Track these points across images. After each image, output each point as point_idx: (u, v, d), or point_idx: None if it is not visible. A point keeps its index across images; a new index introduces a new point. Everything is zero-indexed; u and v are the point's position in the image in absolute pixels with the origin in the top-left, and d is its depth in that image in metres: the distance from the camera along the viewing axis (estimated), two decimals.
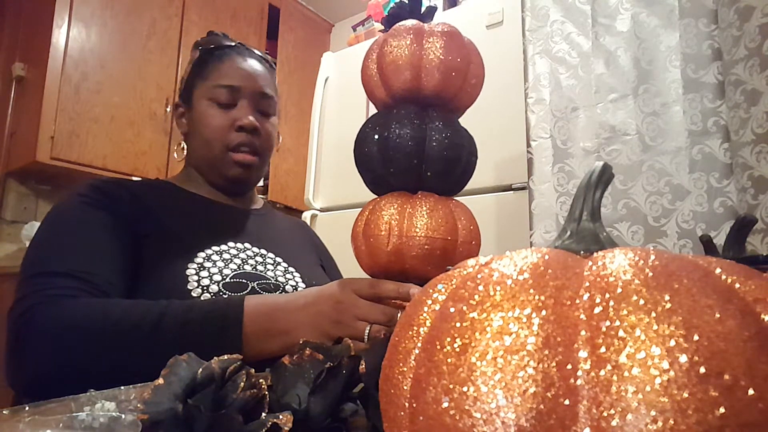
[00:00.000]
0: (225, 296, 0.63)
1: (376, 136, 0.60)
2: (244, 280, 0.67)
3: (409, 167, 0.59)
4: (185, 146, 0.81)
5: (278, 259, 0.76)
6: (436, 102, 0.60)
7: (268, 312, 0.54)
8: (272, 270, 0.73)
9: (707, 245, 0.50)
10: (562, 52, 1.32)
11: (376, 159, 0.61)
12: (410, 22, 0.61)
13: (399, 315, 0.51)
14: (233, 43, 0.81)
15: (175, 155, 0.82)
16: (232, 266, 0.68)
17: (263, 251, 0.75)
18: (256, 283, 0.68)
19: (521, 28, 1.41)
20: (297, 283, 0.74)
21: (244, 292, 0.65)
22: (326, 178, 1.93)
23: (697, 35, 1.13)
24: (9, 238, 2.04)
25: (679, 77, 1.15)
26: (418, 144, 0.58)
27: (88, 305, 0.54)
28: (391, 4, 0.66)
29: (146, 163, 2.11)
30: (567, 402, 0.16)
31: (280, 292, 0.69)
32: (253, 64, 0.79)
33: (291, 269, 0.76)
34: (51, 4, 1.90)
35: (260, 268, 0.71)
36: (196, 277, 0.63)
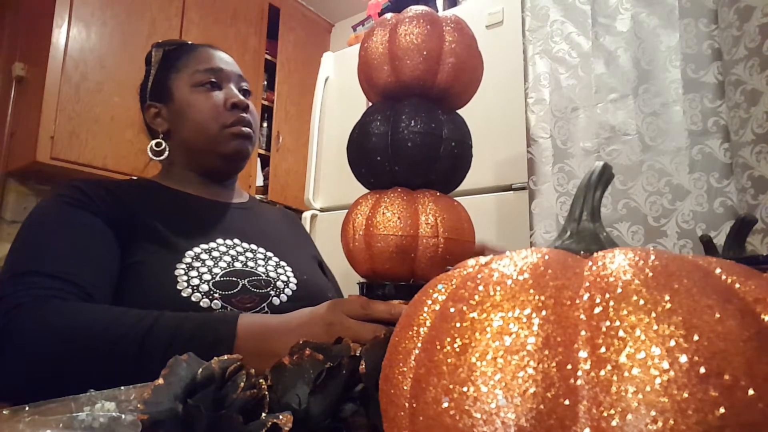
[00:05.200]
0: (218, 311, 0.62)
1: (354, 136, 0.61)
2: (234, 278, 0.66)
3: (375, 164, 0.59)
4: (167, 145, 0.79)
5: (269, 254, 0.75)
6: (417, 91, 0.60)
7: (261, 333, 0.53)
8: (263, 265, 0.72)
9: (707, 245, 0.50)
10: (562, 52, 1.32)
11: (354, 158, 0.62)
12: (389, 15, 0.61)
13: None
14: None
15: (154, 156, 0.78)
16: (222, 264, 0.67)
17: (253, 246, 0.75)
18: (246, 280, 0.67)
19: (521, 28, 1.41)
20: (288, 277, 0.73)
21: (234, 290, 0.65)
22: (326, 178, 1.93)
23: (697, 35, 1.13)
24: (9, 238, 2.04)
25: (679, 77, 1.14)
26: (381, 139, 0.58)
27: (76, 309, 0.53)
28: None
29: (146, 164, 2.11)
30: (567, 402, 0.16)
31: (272, 288, 0.69)
32: (223, 53, 0.83)
33: (282, 263, 0.75)
34: (51, 4, 1.89)
35: (251, 264, 0.71)
36: (185, 277, 0.63)
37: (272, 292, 0.68)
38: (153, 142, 0.79)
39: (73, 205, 0.64)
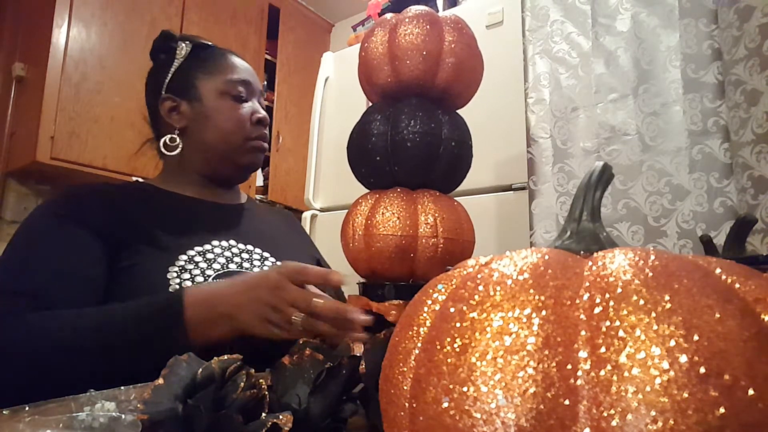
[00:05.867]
0: (169, 291, 0.62)
1: (354, 136, 0.61)
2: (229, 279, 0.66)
3: (374, 164, 0.59)
4: (181, 142, 0.78)
5: (265, 254, 0.75)
6: (417, 91, 0.59)
7: (209, 299, 0.55)
8: (259, 266, 0.72)
9: (707, 245, 0.50)
10: (562, 52, 1.32)
11: (354, 159, 0.62)
12: (389, 15, 0.61)
13: (321, 302, 0.51)
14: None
15: (165, 151, 0.77)
16: (216, 266, 0.67)
17: (249, 247, 0.74)
18: None
19: (521, 28, 1.41)
20: None
21: None
22: (326, 178, 1.93)
23: (697, 35, 1.13)
24: (8, 238, 2.04)
25: (679, 77, 1.14)
26: (381, 139, 0.58)
27: (26, 324, 0.54)
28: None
29: (146, 164, 2.10)
30: (567, 402, 0.16)
31: None
32: (248, 65, 0.85)
33: (278, 264, 0.75)
34: (51, 4, 1.89)
35: (246, 265, 0.71)
36: (177, 280, 0.63)
37: None
38: (167, 137, 0.77)
39: (63, 216, 0.65)
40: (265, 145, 0.82)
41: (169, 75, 0.80)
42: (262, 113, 0.81)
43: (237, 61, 0.83)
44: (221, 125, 0.77)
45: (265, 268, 0.72)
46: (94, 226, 0.65)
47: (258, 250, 0.75)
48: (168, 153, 0.78)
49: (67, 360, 0.52)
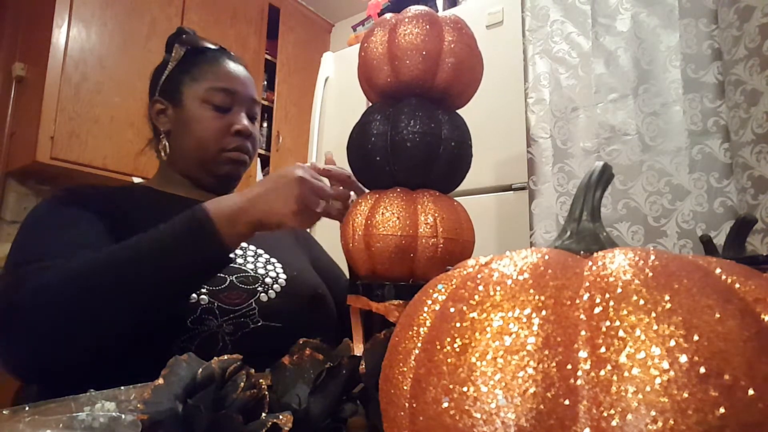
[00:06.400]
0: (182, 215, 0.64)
1: (354, 136, 0.61)
2: (222, 275, 0.67)
3: (374, 164, 0.59)
4: (167, 144, 0.79)
5: (259, 251, 0.76)
6: (417, 91, 0.59)
7: (232, 216, 0.58)
8: (252, 262, 0.72)
9: (707, 245, 0.50)
10: (562, 52, 1.32)
11: (353, 158, 0.62)
12: (389, 15, 0.61)
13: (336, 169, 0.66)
14: (217, 47, 0.83)
15: (163, 154, 0.79)
16: None
17: (244, 244, 0.75)
18: (234, 276, 0.68)
19: (521, 28, 1.41)
20: (278, 274, 0.73)
21: (222, 286, 0.65)
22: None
23: (697, 35, 1.13)
24: (9, 238, 2.04)
25: (679, 77, 1.14)
26: (380, 139, 0.58)
27: (68, 262, 0.55)
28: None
29: (146, 164, 2.11)
30: (567, 402, 0.16)
31: (259, 284, 0.69)
32: (243, 70, 0.82)
33: (273, 260, 0.76)
34: (51, 4, 1.90)
35: (239, 261, 0.71)
36: None
37: (260, 288, 0.69)
38: (158, 143, 0.80)
39: (67, 204, 0.66)
40: (243, 157, 0.79)
41: (163, 77, 0.81)
42: (243, 124, 0.78)
43: (228, 67, 0.80)
44: (197, 134, 0.76)
45: (258, 264, 0.73)
46: (95, 215, 0.66)
47: (252, 247, 0.76)
48: (157, 155, 0.80)
49: (105, 281, 0.53)
